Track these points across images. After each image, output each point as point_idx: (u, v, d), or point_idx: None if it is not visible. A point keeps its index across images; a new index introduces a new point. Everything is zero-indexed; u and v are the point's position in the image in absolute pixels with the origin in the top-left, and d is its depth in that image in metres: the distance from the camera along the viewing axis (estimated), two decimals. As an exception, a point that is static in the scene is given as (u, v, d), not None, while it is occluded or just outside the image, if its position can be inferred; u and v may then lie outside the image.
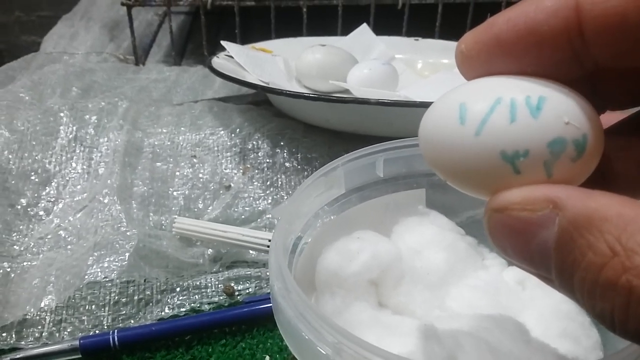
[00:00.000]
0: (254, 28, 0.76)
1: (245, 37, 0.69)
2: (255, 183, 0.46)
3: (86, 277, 0.37)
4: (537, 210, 0.15)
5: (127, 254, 0.38)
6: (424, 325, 0.26)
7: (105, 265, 0.38)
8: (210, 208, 0.45)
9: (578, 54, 0.16)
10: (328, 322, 0.23)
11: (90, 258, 0.38)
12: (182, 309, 0.38)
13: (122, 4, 0.68)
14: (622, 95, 0.18)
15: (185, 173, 0.46)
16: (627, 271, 0.13)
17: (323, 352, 0.22)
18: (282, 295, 0.25)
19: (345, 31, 0.68)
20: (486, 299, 0.30)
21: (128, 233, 0.40)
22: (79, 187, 0.45)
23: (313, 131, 0.49)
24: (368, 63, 0.57)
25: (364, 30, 0.66)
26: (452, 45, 0.66)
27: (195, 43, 0.80)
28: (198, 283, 0.40)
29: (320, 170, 0.32)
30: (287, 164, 0.47)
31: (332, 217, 0.33)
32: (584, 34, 0.16)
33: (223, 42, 0.56)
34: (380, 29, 0.68)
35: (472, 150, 0.16)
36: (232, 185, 0.46)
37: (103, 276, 0.37)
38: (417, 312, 0.31)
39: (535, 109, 0.16)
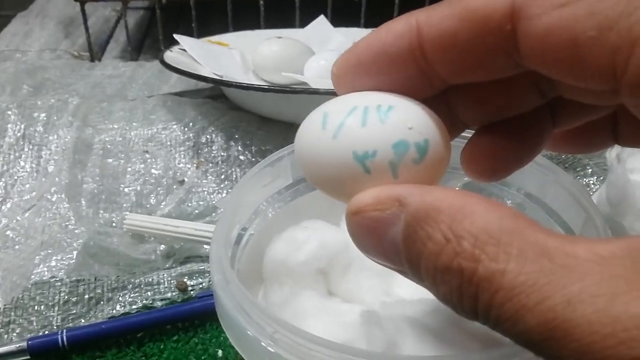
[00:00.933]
0: (212, 21, 0.75)
1: (204, 31, 0.68)
2: (209, 177, 0.46)
3: (33, 276, 0.37)
4: (386, 209, 0.16)
5: (74, 252, 0.37)
6: (367, 312, 0.26)
7: (53, 264, 0.37)
8: (163, 204, 0.44)
9: (424, 71, 0.18)
10: (266, 312, 0.23)
11: (37, 257, 0.37)
12: (133, 306, 0.38)
13: (76, 0, 0.66)
14: (473, 112, 0.21)
15: (137, 169, 0.46)
16: (457, 255, 0.14)
17: (263, 343, 0.22)
18: (221, 286, 0.24)
19: (304, 23, 0.68)
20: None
21: (76, 231, 0.39)
22: (27, 186, 0.44)
23: (268, 123, 0.49)
24: (324, 54, 0.57)
25: (322, 21, 0.66)
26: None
27: (153, 38, 0.79)
28: (150, 280, 0.39)
29: (265, 160, 0.31)
30: (241, 157, 0.47)
31: (279, 208, 0.33)
32: (426, 52, 0.17)
33: (176, 36, 0.55)
34: (338, 21, 0.68)
35: (330, 152, 0.18)
36: (186, 179, 0.46)
37: (50, 275, 0.36)
38: (366, 299, 0.31)
39: (384, 115, 0.17)
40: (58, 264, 0.37)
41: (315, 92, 0.42)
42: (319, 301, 0.30)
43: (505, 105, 0.20)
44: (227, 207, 0.29)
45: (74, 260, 0.37)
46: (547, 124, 0.21)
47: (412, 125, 0.17)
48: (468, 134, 0.22)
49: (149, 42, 0.78)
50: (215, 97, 0.57)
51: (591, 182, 0.45)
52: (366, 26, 0.69)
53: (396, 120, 0.17)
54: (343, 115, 0.18)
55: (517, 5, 0.16)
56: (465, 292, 0.14)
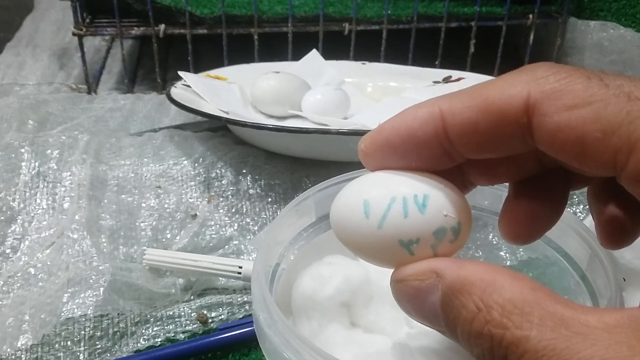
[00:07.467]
0: (202, 54, 0.77)
1: (195, 63, 0.70)
2: (220, 211, 0.48)
3: (62, 314, 0.38)
4: (425, 280, 0.19)
5: (101, 289, 0.39)
6: (398, 344, 0.29)
7: (81, 301, 0.39)
8: (178, 237, 0.46)
9: (447, 151, 0.21)
10: (313, 348, 0.25)
11: (65, 295, 0.39)
12: (157, 339, 0.39)
13: (74, 34, 0.68)
14: (482, 177, 0.24)
15: (151, 204, 0.47)
16: (488, 323, 0.17)
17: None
18: (267, 324, 0.27)
19: (296, 56, 0.70)
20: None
21: (100, 267, 0.40)
22: (44, 223, 0.45)
23: (274, 158, 0.51)
24: (320, 89, 0.59)
25: (314, 55, 0.69)
26: (397, 68, 0.69)
27: (146, 68, 0.81)
28: (171, 313, 0.41)
29: (293, 201, 0.34)
30: (250, 191, 0.49)
31: (303, 244, 0.35)
32: (450, 136, 0.20)
33: (180, 73, 0.57)
34: (329, 54, 0.70)
35: (377, 239, 0.21)
36: (198, 214, 0.47)
37: (79, 312, 0.38)
38: (387, 329, 0.33)
39: (422, 206, 0.20)
40: (86, 301, 0.38)
41: (327, 132, 0.44)
42: (346, 333, 0.33)
43: (510, 172, 0.23)
44: (262, 246, 0.31)
45: (101, 297, 0.39)
46: (567, 186, 0.24)
47: (447, 212, 0.20)
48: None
49: (142, 72, 0.80)
50: (216, 129, 0.59)
51: (578, 211, 0.48)
52: (355, 59, 0.72)
53: (433, 209, 0.20)
54: (384, 206, 0.21)
55: (531, 102, 0.19)
56: (496, 353, 0.17)
